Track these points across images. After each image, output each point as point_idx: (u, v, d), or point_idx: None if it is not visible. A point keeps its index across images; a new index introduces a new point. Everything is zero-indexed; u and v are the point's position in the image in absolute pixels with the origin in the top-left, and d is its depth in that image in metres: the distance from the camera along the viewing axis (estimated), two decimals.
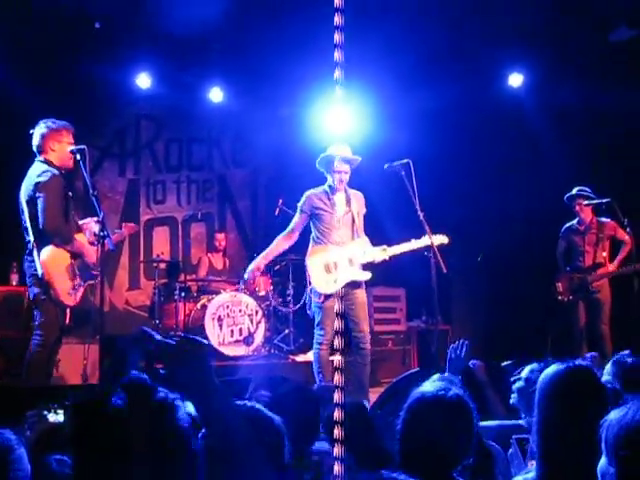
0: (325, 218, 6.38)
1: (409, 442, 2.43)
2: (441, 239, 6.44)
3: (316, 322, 6.37)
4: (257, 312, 8.87)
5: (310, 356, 8.86)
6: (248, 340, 8.73)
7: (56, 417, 2.90)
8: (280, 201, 9.14)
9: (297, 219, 6.52)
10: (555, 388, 2.37)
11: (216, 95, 10.28)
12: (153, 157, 10.77)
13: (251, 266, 6.70)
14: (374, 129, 8.08)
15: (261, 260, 6.70)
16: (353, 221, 6.42)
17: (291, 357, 8.82)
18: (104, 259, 5.77)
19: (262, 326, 8.86)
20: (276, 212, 9.14)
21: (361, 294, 6.42)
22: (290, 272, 9.26)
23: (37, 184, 5.57)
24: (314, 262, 6.36)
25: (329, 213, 6.37)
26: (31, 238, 5.61)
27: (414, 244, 6.35)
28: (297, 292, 9.23)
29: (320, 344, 6.35)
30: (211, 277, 9.69)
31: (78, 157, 5.70)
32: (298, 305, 8.47)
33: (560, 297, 7.80)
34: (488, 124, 9.18)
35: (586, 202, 7.68)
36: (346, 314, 6.29)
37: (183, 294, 9.07)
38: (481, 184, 9.25)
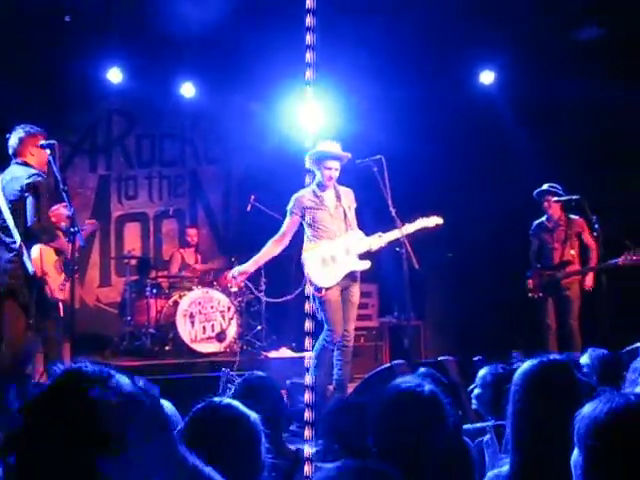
0: (317, 215, 6.31)
1: (385, 435, 2.45)
2: (436, 220, 6.48)
3: (324, 319, 6.19)
4: (229, 308, 8.86)
5: (283, 352, 8.90)
6: (220, 337, 8.73)
7: None
8: (252, 197, 9.12)
9: (288, 222, 6.40)
10: (529, 382, 2.40)
11: (188, 90, 10.21)
12: (124, 153, 10.69)
13: (239, 268, 6.58)
14: (346, 125, 8.09)
15: (251, 265, 6.58)
16: (345, 215, 6.40)
17: (264, 353, 8.82)
18: (75, 255, 5.75)
19: (234, 322, 8.85)
20: (248, 208, 9.12)
21: (357, 292, 6.40)
22: (263, 268, 9.26)
23: (28, 184, 5.65)
24: (310, 257, 6.25)
25: (320, 210, 6.32)
26: (17, 238, 5.66)
27: (409, 228, 6.33)
28: (270, 288, 9.24)
29: (327, 342, 6.17)
30: (184, 273, 9.65)
31: (48, 152, 5.70)
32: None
33: (531, 294, 7.86)
34: (460, 121, 9.23)
35: (555, 198, 7.71)
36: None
37: (155, 290, 9.04)
38: (453, 180, 9.30)
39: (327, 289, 6.19)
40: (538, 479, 2.29)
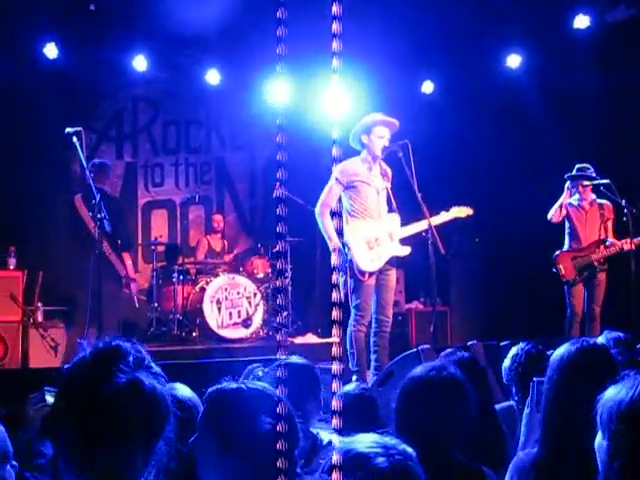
0: (363, 190, 6.09)
1: (404, 422, 2.45)
2: (466, 211, 6.47)
3: (355, 302, 6.02)
4: (255, 294, 8.89)
5: (309, 338, 8.92)
6: (247, 323, 8.76)
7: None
8: (278, 183, 9.10)
9: (335, 190, 6.05)
10: (568, 365, 2.36)
11: (213, 77, 10.20)
12: (151, 140, 10.73)
13: (335, 249, 5.97)
14: (372, 111, 8.05)
15: (335, 239, 5.97)
16: (388, 194, 6.25)
17: (290, 339, 8.83)
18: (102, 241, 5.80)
19: (260, 308, 8.88)
20: (274, 194, 9.10)
21: (393, 276, 6.25)
22: (289, 254, 9.26)
23: None
24: (355, 239, 6.03)
25: (368, 185, 6.11)
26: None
27: (444, 217, 6.29)
28: (295, 274, 9.25)
29: (358, 324, 6.03)
30: (209, 259, 9.68)
31: (75, 139, 5.73)
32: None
33: (565, 279, 7.49)
34: (487, 106, 9.15)
35: (586, 182, 7.57)
36: (377, 294, 6.14)
37: (181, 277, 9.08)
38: (479, 165, 9.24)
39: (370, 274, 6.07)
40: (569, 463, 2.27)
